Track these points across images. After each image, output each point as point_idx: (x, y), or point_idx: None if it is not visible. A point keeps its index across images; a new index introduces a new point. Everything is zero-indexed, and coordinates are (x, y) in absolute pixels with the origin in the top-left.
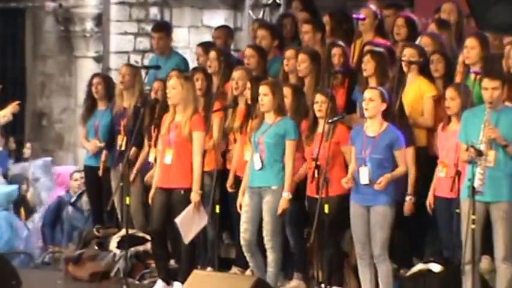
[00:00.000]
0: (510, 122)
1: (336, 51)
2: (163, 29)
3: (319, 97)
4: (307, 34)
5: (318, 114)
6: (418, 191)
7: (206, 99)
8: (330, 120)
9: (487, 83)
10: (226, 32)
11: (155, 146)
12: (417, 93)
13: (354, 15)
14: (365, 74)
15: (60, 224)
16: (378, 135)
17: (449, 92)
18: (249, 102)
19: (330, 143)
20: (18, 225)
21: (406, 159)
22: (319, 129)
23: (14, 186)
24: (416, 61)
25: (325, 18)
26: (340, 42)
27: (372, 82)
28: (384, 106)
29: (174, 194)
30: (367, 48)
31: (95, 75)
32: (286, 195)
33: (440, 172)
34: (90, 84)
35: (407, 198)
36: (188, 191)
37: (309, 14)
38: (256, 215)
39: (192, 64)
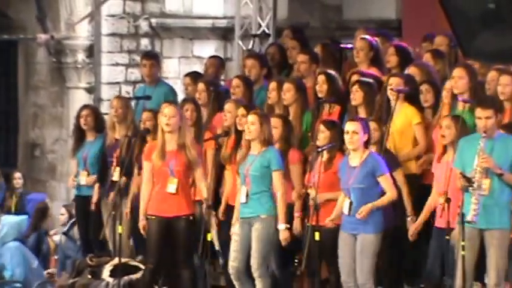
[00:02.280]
0: (504, 149)
1: (319, 78)
2: (154, 57)
3: (322, 128)
4: (303, 64)
5: (317, 143)
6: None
7: (196, 129)
8: (319, 149)
9: (480, 112)
10: (218, 62)
11: None
12: (405, 121)
13: (342, 45)
14: (354, 103)
15: (42, 256)
16: (359, 165)
17: (446, 121)
18: (240, 128)
19: (327, 173)
20: (29, 255)
21: (393, 183)
22: (319, 159)
23: (24, 216)
24: (401, 90)
25: (317, 49)
26: (329, 71)
27: (361, 112)
28: (366, 137)
29: (180, 221)
30: (355, 78)
31: (84, 107)
32: (283, 226)
33: (440, 198)
34: (78, 116)
35: (408, 219)
36: (192, 216)
37: (299, 43)
38: (246, 244)
39: (181, 94)
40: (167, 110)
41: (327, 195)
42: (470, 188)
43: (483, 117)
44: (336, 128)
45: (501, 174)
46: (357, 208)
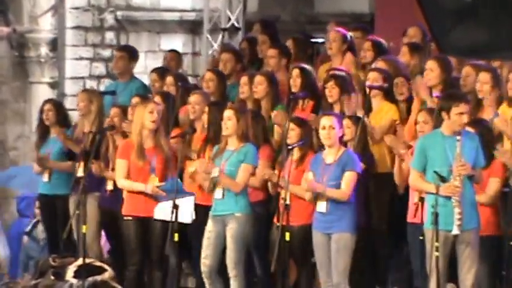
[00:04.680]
0: (471, 147)
1: (293, 72)
2: (127, 50)
3: (291, 126)
4: (272, 59)
5: (288, 141)
6: (386, 217)
7: (165, 124)
8: (290, 146)
9: (464, 107)
10: (178, 56)
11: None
12: (383, 117)
13: (313, 39)
14: (330, 100)
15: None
16: (335, 162)
17: (422, 116)
18: (206, 126)
19: (298, 171)
20: None
21: (354, 185)
22: (289, 156)
23: None
24: (379, 86)
25: (288, 43)
26: (304, 65)
27: (337, 108)
28: (341, 133)
29: (157, 221)
30: (331, 73)
31: (46, 101)
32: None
33: (415, 198)
34: (41, 111)
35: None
36: None
37: (269, 37)
38: (219, 242)
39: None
40: (152, 106)
41: (297, 189)
42: (454, 199)
43: (466, 112)
44: (306, 125)
45: (472, 175)
46: (333, 206)
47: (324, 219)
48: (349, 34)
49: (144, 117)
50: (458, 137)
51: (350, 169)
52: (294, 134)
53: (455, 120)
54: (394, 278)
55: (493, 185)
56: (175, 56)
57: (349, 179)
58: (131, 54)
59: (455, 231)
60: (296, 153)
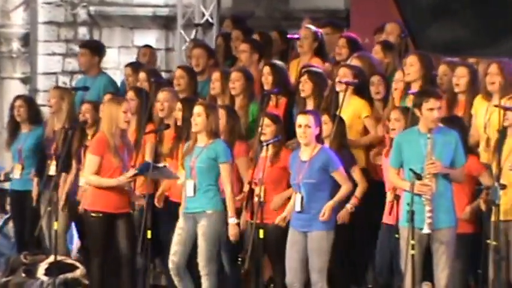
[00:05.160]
0: (447, 144)
1: (264, 69)
2: (88, 46)
3: (262, 120)
4: (243, 54)
5: (262, 137)
6: (360, 214)
7: (138, 119)
8: (265, 143)
9: (434, 103)
10: (152, 52)
11: None
12: (353, 114)
13: (289, 35)
14: (303, 95)
15: None
16: (311, 159)
17: (395, 114)
18: (179, 123)
19: (273, 168)
20: None
21: (348, 178)
22: (263, 153)
23: None
24: (351, 82)
25: (256, 37)
26: (275, 61)
27: (310, 104)
28: (318, 131)
29: (126, 217)
30: (304, 69)
31: (17, 97)
32: (233, 220)
33: (390, 196)
34: (12, 107)
35: (347, 205)
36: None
37: (243, 33)
38: (189, 239)
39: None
40: (126, 106)
41: (284, 196)
42: (425, 197)
43: (436, 107)
44: (280, 122)
45: (447, 174)
46: (309, 204)
47: (301, 218)
48: (320, 31)
49: (119, 117)
50: (429, 135)
51: (335, 170)
52: (269, 130)
53: (427, 117)
54: (370, 277)
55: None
56: (149, 51)
57: (341, 177)
58: (93, 49)
59: (426, 230)
60: (270, 150)
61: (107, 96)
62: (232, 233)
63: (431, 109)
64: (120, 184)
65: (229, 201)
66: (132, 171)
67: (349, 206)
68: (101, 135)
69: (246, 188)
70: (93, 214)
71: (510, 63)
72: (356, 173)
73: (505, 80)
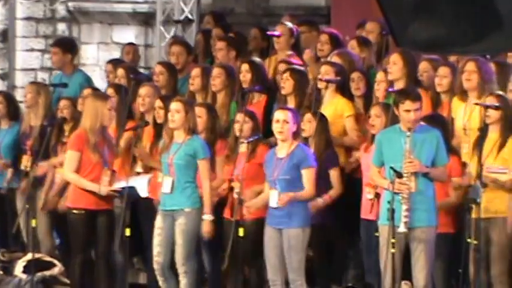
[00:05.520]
0: (428, 142)
1: (243, 67)
2: (59, 44)
3: (239, 117)
4: (220, 51)
5: (238, 134)
6: (339, 213)
7: (118, 117)
8: (246, 140)
9: (410, 105)
10: (135, 49)
11: (62, 166)
12: (335, 112)
13: (269, 32)
14: (283, 92)
15: None
16: (287, 156)
17: (375, 110)
18: (160, 121)
19: (251, 164)
20: None
21: (314, 180)
22: (241, 149)
23: None
24: (333, 80)
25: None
26: (253, 59)
27: (291, 101)
28: (295, 128)
29: (105, 214)
30: (286, 66)
31: None
32: (208, 217)
33: (368, 194)
34: None
35: (319, 199)
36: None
37: (222, 30)
38: (170, 239)
39: (102, 82)
40: (110, 103)
41: (256, 190)
42: (402, 196)
43: (412, 109)
44: (256, 119)
45: (427, 173)
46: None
47: (276, 214)
48: (296, 28)
49: (103, 113)
50: (408, 133)
51: (306, 166)
52: (246, 127)
53: (403, 118)
54: (350, 276)
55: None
56: (132, 49)
57: (308, 176)
58: (65, 47)
59: (402, 228)
60: (247, 147)
61: (88, 91)
62: (207, 230)
63: (407, 111)
64: (98, 192)
65: (206, 197)
66: (117, 187)
67: (320, 201)
68: (81, 131)
69: (224, 185)
70: (75, 211)
71: (487, 63)
72: (335, 176)
73: (481, 78)
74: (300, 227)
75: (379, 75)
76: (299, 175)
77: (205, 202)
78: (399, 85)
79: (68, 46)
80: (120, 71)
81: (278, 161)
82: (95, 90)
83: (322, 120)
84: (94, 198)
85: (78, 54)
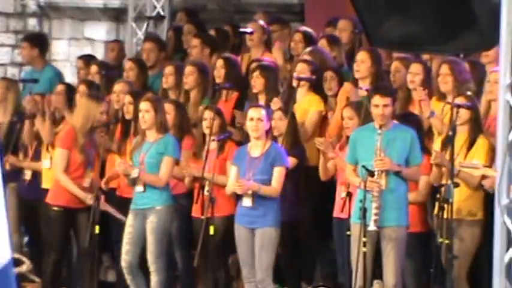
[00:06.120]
0: (402, 141)
1: (217, 62)
2: (27, 39)
3: (207, 113)
4: (195, 48)
5: (206, 131)
6: (312, 211)
7: None
8: (216, 138)
9: (378, 99)
10: (119, 46)
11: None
12: (307, 109)
13: (241, 29)
14: (254, 90)
15: None
16: (262, 155)
17: (347, 112)
18: (128, 117)
19: (219, 161)
20: None
21: (283, 180)
22: (209, 146)
23: None
24: (305, 78)
25: (212, 32)
26: (228, 55)
27: (262, 99)
28: (268, 126)
29: (85, 212)
30: (256, 64)
31: None
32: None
33: (343, 192)
34: None
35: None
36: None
37: (195, 27)
38: (140, 236)
39: (73, 78)
40: (104, 107)
41: (223, 179)
42: (372, 194)
43: (381, 104)
44: (223, 115)
45: (399, 171)
46: (259, 201)
47: (249, 214)
48: (267, 26)
49: (96, 116)
50: (379, 131)
51: (279, 164)
52: (216, 123)
53: (373, 113)
54: (320, 275)
55: (422, 182)
56: (117, 46)
57: (278, 175)
58: (33, 42)
59: (372, 226)
60: (215, 143)
61: (60, 87)
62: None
63: (376, 106)
64: (83, 200)
65: (150, 178)
66: (110, 209)
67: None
68: (70, 129)
69: (187, 180)
70: (54, 208)
71: (461, 63)
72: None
73: (456, 79)
74: (273, 227)
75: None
76: None
77: (146, 177)
78: (365, 83)
79: (36, 41)
80: (93, 68)
81: (252, 160)
82: (90, 89)
83: (292, 119)
84: (74, 196)
85: (49, 49)
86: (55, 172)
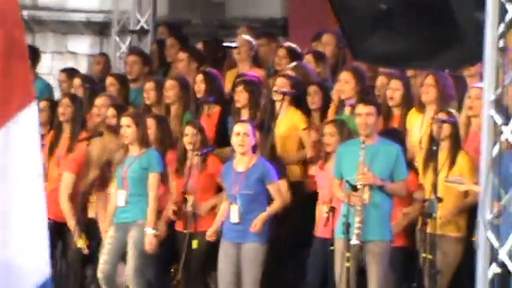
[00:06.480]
0: (386, 156)
1: (197, 77)
2: None
3: (188, 129)
4: (181, 62)
5: (188, 147)
6: (294, 228)
7: (72, 127)
8: (199, 153)
9: (361, 108)
10: (105, 60)
11: None
12: (290, 125)
13: (226, 44)
14: (238, 104)
15: None
16: (248, 170)
17: (328, 128)
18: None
19: (202, 176)
20: None
21: (281, 189)
22: (190, 162)
23: None
24: (288, 92)
25: (198, 46)
26: (208, 70)
27: (245, 114)
28: (254, 141)
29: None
30: (240, 78)
31: None
32: (150, 230)
33: (325, 213)
34: None
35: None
36: None
37: (177, 41)
38: (119, 248)
39: (56, 91)
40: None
41: (210, 203)
42: (357, 206)
43: (363, 113)
44: (204, 130)
45: (382, 186)
46: (246, 216)
47: (236, 229)
48: (254, 41)
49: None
50: (362, 145)
51: (270, 182)
52: (196, 139)
53: (357, 123)
54: None
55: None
56: (103, 59)
57: (276, 190)
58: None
59: (354, 241)
60: (197, 158)
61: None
62: (148, 242)
63: (359, 114)
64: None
65: (150, 210)
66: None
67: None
68: (81, 156)
69: (173, 196)
70: None
71: (446, 77)
72: (283, 186)
73: (439, 92)
74: (260, 243)
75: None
76: (261, 189)
77: (149, 215)
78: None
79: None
80: (77, 81)
81: (237, 175)
82: (74, 102)
83: (269, 133)
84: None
85: (40, 62)
86: (61, 197)
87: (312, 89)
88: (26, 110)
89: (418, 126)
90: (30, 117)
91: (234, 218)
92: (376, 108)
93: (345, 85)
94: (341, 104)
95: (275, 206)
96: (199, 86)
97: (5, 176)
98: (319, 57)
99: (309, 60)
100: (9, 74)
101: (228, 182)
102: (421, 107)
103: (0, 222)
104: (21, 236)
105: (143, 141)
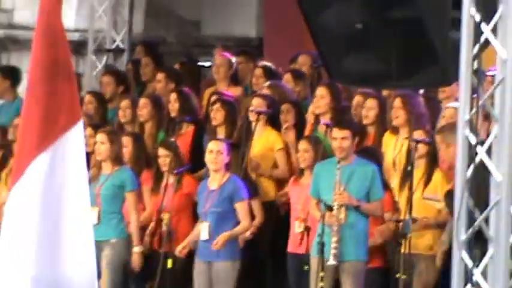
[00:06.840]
0: (362, 176)
1: (171, 96)
2: (0, 71)
3: (161, 151)
4: (159, 83)
5: (163, 168)
6: (267, 246)
7: None
8: (176, 171)
9: (336, 132)
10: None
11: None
12: (266, 145)
13: (201, 63)
14: (214, 123)
15: None
16: (219, 188)
17: (303, 144)
18: (89, 150)
19: (177, 195)
20: None
21: (249, 210)
22: (165, 181)
23: None
24: (263, 111)
25: (175, 67)
26: (182, 89)
27: (221, 132)
28: (228, 159)
29: None
30: (217, 96)
31: None
32: (138, 249)
33: (298, 228)
34: None
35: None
36: None
37: (152, 60)
38: None
39: None
40: None
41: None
42: (333, 226)
43: (339, 137)
44: (179, 149)
45: (358, 206)
46: (216, 233)
47: (207, 247)
48: (233, 59)
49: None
50: (338, 165)
51: (239, 200)
52: (169, 159)
53: (332, 146)
54: None
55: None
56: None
57: (243, 210)
58: (5, 73)
59: (331, 261)
60: (172, 177)
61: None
62: (137, 262)
63: (334, 138)
64: None
65: (134, 229)
66: None
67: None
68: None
69: (147, 213)
70: None
71: (416, 96)
72: (256, 206)
73: (409, 113)
74: (230, 261)
75: (312, 106)
76: (230, 207)
77: (134, 234)
78: (326, 118)
79: (9, 72)
80: None
81: (210, 193)
82: None
83: (243, 152)
84: None
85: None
86: None
87: (285, 107)
88: (72, 129)
89: (391, 148)
90: (76, 136)
91: (204, 235)
92: (352, 132)
93: (320, 100)
94: (317, 121)
95: (239, 227)
96: (173, 105)
97: (53, 195)
98: (297, 75)
99: (287, 79)
100: (56, 94)
101: (201, 200)
102: (395, 129)
103: (50, 242)
104: (71, 255)
105: (117, 159)
